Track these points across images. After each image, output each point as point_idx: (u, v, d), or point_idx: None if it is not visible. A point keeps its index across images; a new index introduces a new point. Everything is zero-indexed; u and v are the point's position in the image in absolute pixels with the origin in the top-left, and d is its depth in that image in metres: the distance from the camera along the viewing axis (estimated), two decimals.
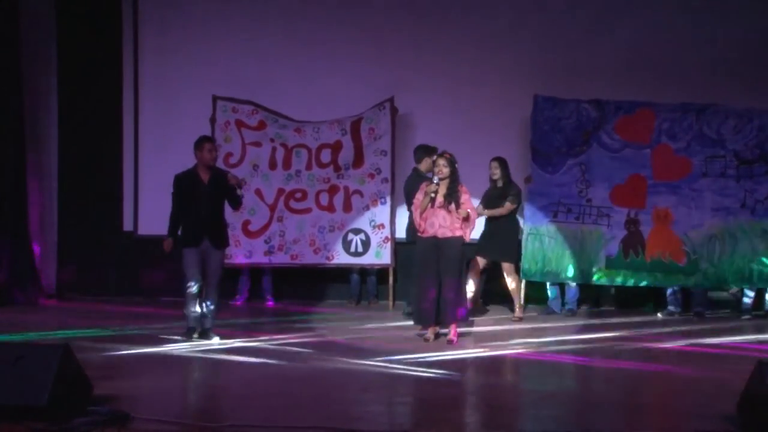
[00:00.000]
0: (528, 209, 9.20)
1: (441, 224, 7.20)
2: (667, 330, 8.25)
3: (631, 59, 9.65)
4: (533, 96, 9.20)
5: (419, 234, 7.33)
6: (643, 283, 9.18)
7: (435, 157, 7.37)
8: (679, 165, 9.13)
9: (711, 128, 9.14)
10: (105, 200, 10.19)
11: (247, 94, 9.65)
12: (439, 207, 7.21)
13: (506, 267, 8.75)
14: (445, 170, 7.21)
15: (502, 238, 8.72)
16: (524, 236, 9.16)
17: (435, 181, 7.20)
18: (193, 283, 7.16)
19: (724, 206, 9.03)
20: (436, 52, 9.86)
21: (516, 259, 8.84)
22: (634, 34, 9.75)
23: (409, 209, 8.37)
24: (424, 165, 8.55)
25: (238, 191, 7.35)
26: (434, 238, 7.21)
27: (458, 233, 7.23)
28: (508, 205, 8.69)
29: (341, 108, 9.66)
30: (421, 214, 7.24)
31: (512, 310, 8.91)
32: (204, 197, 7.22)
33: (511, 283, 8.74)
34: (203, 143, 7.29)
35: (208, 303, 7.29)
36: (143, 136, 10.06)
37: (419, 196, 7.31)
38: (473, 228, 7.40)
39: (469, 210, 7.23)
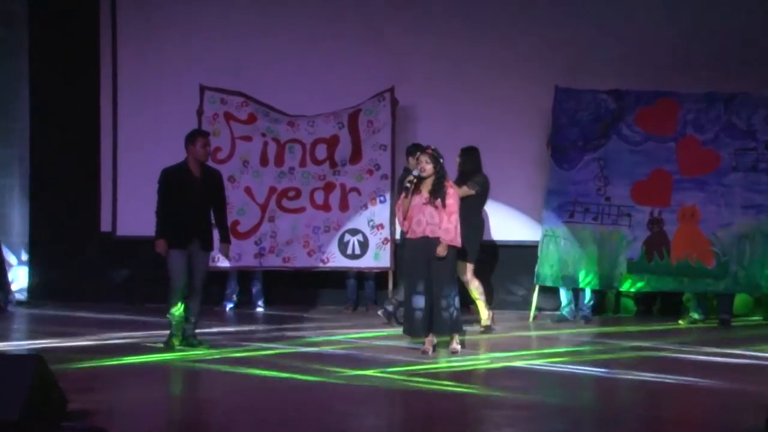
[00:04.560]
0: (543, 209, 9.27)
1: (429, 221, 7.21)
2: (690, 338, 8.29)
3: (652, 45, 9.69)
4: (554, 87, 9.25)
5: (406, 235, 7.36)
6: (668, 289, 9.22)
7: (418, 154, 7.41)
8: (706, 158, 9.17)
9: (741, 118, 9.17)
10: (81, 199, 10.25)
11: (236, 84, 9.69)
12: (425, 203, 7.23)
13: (462, 267, 8.30)
14: (429, 167, 7.21)
15: (471, 233, 8.21)
16: (540, 238, 9.22)
17: (414, 173, 7.26)
18: (180, 289, 7.23)
19: (756, 203, 9.06)
20: (441, 37, 9.91)
21: (473, 258, 8.37)
22: (655, 18, 9.79)
23: None
24: (411, 164, 8.61)
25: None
26: (424, 238, 7.24)
27: None
28: (464, 189, 8.23)
29: (337, 100, 9.71)
30: (405, 214, 7.27)
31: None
32: (195, 194, 7.29)
33: (469, 285, 8.42)
34: (197, 137, 7.35)
35: (193, 308, 7.36)
36: (123, 128, 10.12)
37: (401, 196, 7.34)
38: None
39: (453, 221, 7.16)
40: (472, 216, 8.38)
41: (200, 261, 7.32)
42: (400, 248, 8.56)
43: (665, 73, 9.57)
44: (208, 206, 7.40)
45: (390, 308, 8.68)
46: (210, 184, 7.39)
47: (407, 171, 8.73)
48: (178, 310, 7.27)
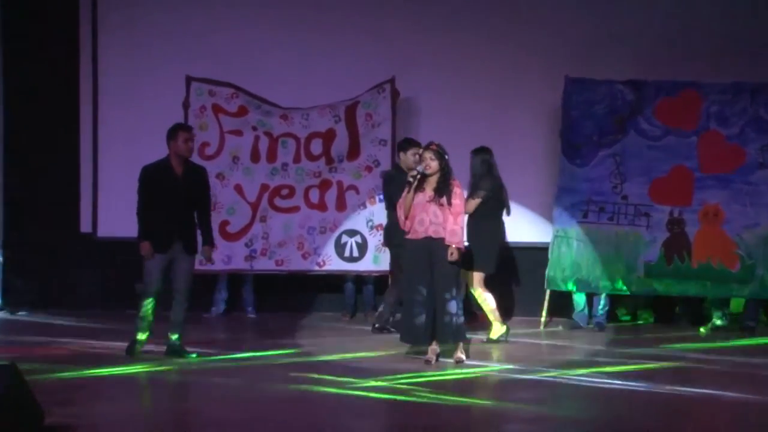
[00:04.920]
0: (554, 208, 9.26)
1: (432, 221, 7.21)
2: (712, 347, 8.28)
3: (673, 32, 9.69)
4: (564, 77, 9.25)
5: (407, 236, 7.37)
6: (690, 293, 9.22)
7: (421, 151, 7.40)
8: (730, 154, 9.16)
9: None
10: (59, 197, 10.23)
11: (225, 74, 9.68)
12: (429, 201, 7.23)
13: (468, 275, 8.34)
14: (433, 164, 7.22)
15: (473, 242, 8.28)
16: (550, 239, 9.22)
17: (419, 169, 7.25)
18: (152, 295, 7.28)
19: None
20: (445, 24, 9.90)
21: (483, 267, 8.33)
22: (676, 3, 9.78)
23: (388, 208, 8.55)
24: (403, 160, 8.61)
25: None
26: (426, 239, 7.23)
27: None
28: (471, 202, 8.23)
29: (334, 91, 9.70)
30: (407, 212, 7.28)
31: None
32: (177, 193, 7.29)
33: (478, 298, 8.39)
34: (178, 132, 7.36)
35: (177, 316, 7.37)
36: (104, 122, 10.10)
37: (403, 194, 7.33)
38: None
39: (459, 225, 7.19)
40: (483, 222, 8.37)
41: (184, 265, 7.33)
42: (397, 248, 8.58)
43: (687, 61, 9.56)
44: (192, 206, 7.40)
45: (378, 325, 8.67)
46: (194, 182, 7.39)
47: (396, 168, 8.73)
48: (147, 308, 7.30)
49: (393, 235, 8.34)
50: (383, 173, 9.12)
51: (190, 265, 7.39)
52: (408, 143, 8.70)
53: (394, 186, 8.38)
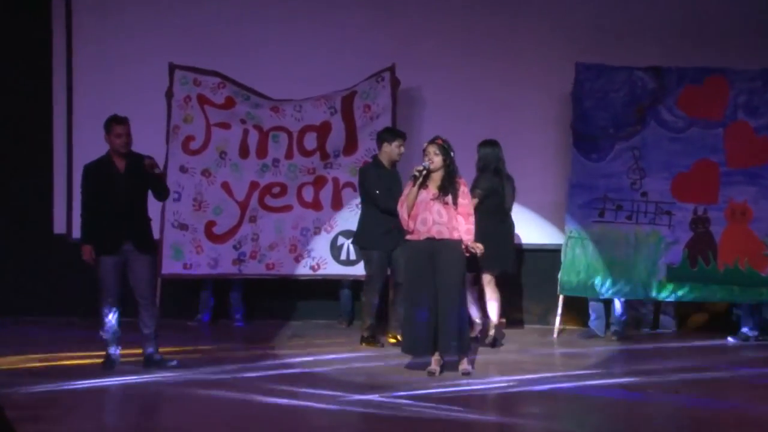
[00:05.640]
0: (567, 207, 9.27)
1: (436, 221, 7.24)
2: (741, 358, 8.28)
3: (698, 14, 9.69)
4: (575, 64, 9.25)
5: (408, 237, 7.38)
6: (715, 299, 9.21)
7: (425, 145, 7.43)
8: (759, 147, 9.17)
9: None
10: (30, 197, 10.27)
11: (212, 63, 9.71)
12: (433, 200, 7.25)
13: (486, 277, 8.59)
14: (438, 159, 7.26)
15: (486, 241, 8.15)
16: (563, 241, 9.23)
17: (424, 164, 7.27)
18: (111, 301, 7.34)
19: None
20: (449, 7, 9.93)
21: (491, 268, 8.53)
22: None
23: (364, 205, 8.60)
24: (385, 153, 8.64)
25: (157, 170, 7.49)
26: (429, 240, 7.25)
27: (458, 235, 7.28)
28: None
29: (328, 81, 9.71)
30: (410, 210, 7.29)
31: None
32: (120, 190, 7.37)
33: (489, 298, 8.57)
34: (112, 125, 7.44)
35: (147, 321, 7.42)
36: (78, 115, 10.13)
37: (405, 191, 7.36)
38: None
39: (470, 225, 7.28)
40: (484, 221, 8.37)
41: (140, 265, 7.40)
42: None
43: (713, 46, 9.56)
44: (139, 201, 7.48)
45: (366, 334, 8.68)
46: (137, 174, 7.44)
47: (374, 161, 8.70)
48: (110, 319, 7.36)
49: (368, 234, 8.50)
50: (361, 167, 9.06)
51: (147, 265, 7.46)
52: (392, 134, 8.72)
53: (369, 181, 8.50)
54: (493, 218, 8.56)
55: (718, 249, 9.09)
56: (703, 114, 9.23)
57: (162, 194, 7.71)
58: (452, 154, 7.31)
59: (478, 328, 8.79)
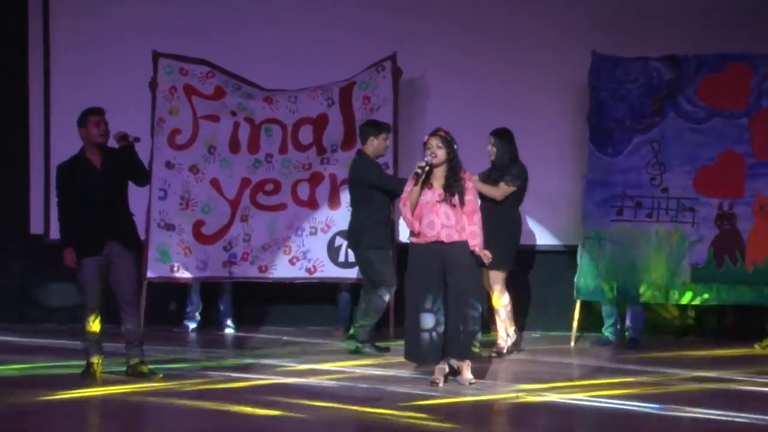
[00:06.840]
0: (583, 206, 9.25)
1: (444, 223, 7.22)
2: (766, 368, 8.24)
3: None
4: (591, 53, 9.26)
5: (413, 239, 7.36)
6: (743, 301, 9.20)
7: (426, 138, 7.41)
8: None
9: None
10: (4, 195, 10.29)
11: (200, 51, 9.71)
12: (439, 201, 7.24)
13: (493, 277, 8.48)
14: (440, 152, 7.23)
15: (492, 237, 8.12)
16: (579, 242, 9.24)
17: (427, 160, 7.26)
18: (94, 306, 7.32)
19: None
20: None
21: (506, 265, 8.49)
22: None
23: (362, 205, 8.55)
24: (371, 147, 8.63)
25: (132, 138, 7.49)
26: (438, 243, 7.23)
27: (467, 235, 7.26)
28: (503, 187, 8.44)
29: (326, 70, 9.74)
30: (413, 210, 7.28)
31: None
32: (99, 187, 7.35)
33: (497, 300, 8.52)
34: (86, 117, 7.43)
35: (131, 328, 7.39)
36: (56, 108, 10.14)
37: (407, 189, 7.35)
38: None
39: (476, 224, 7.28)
40: (506, 213, 8.47)
41: (125, 265, 7.39)
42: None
43: (732, 30, 9.57)
44: (120, 196, 7.47)
45: (370, 336, 8.64)
46: (115, 168, 7.43)
47: (360, 155, 8.67)
48: (93, 325, 7.34)
49: (374, 232, 8.46)
50: (353, 164, 9.01)
51: (131, 264, 7.45)
52: (377, 127, 8.69)
53: (374, 173, 8.50)
54: (515, 212, 8.62)
55: (746, 247, 9.10)
56: (725, 103, 9.26)
57: (141, 175, 7.70)
58: (455, 147, 7.30)
59: (510, 341, 8.64)
